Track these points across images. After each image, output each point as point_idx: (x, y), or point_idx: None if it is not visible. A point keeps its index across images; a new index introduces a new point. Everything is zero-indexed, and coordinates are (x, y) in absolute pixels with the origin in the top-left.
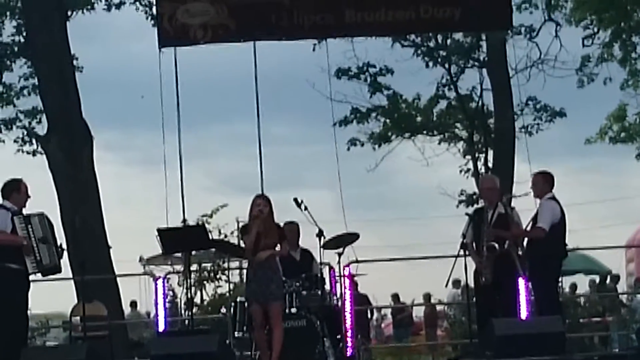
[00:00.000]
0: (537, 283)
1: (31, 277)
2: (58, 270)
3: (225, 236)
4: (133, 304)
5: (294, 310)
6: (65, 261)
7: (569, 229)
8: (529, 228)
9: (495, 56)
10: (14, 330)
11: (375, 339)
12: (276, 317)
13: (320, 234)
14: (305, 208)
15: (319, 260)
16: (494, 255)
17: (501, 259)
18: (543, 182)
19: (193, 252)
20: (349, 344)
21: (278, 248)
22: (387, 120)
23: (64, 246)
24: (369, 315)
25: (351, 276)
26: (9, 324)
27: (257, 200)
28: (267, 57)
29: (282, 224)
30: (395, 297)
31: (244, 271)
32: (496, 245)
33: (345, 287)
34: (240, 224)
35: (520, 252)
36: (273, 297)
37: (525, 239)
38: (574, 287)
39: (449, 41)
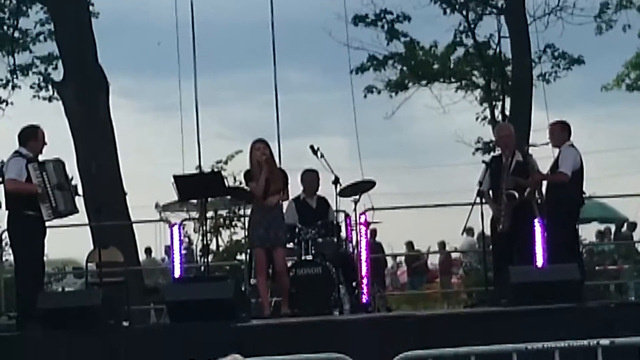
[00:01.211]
0: (555, 229)
1: (48, 223)
2: (75, 211)
3: (241, 183)
4: (148, 251)
5: (309, 257)
6: (81, 207)
7: (585, 176)
8: None
9: (513, 3)
10: (31, 276)
11: (391, 286)
12: (283, 263)
13: (336, 181)
14: (322, 155)
15: (334, 208)
16: (514, 204)
17: (520, 206)
18: (561, 131)
19: (209, 199)
20: (364, 291)
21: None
22: (404, 68)
23: (79, 189)
24: (384, 263)
25: (368, 224)
26: (26, 270)
27: (258, 144)
28: (284, 4)
29: (301, 172)
30: (410, 244)
31: None
32: (516, 193)
33: (360, 235)
34: None
35: (539, 200)
36: (280, 243)
37: (545, 187)
38: (600, 234)
39: None
